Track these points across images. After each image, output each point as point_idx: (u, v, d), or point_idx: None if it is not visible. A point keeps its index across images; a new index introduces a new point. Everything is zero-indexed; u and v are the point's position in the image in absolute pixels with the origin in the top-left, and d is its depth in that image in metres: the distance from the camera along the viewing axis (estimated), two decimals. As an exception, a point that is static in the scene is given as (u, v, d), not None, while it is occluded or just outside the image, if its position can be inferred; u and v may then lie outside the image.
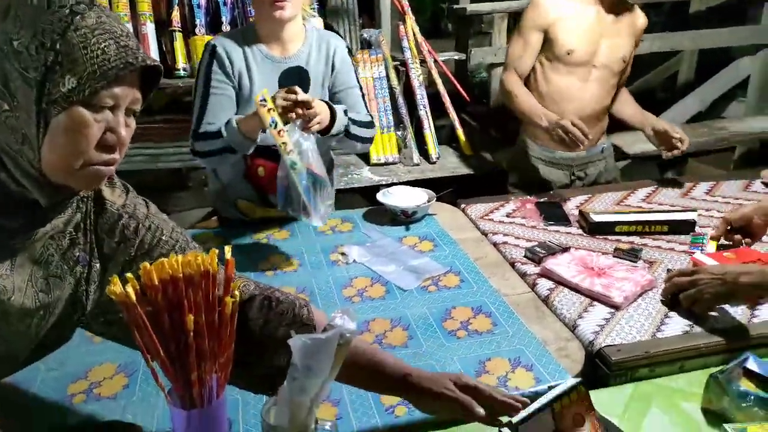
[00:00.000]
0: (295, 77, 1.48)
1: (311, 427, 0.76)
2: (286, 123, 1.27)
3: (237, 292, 0.70)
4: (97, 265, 0.79)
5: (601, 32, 1.78)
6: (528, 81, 1.87)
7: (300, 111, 1.27)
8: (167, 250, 0.82)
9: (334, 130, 1.39)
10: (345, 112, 1.45)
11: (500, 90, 1.90)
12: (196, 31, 2.23)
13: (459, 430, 0.88)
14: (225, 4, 2.25)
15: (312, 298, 1.26)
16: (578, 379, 0.83)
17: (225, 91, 1.44)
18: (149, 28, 2.21)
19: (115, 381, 1.00)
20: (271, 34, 1.47)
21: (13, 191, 0.67)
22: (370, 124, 1.54)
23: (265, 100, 1.25)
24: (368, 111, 1.58)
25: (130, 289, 0.65)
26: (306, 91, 1.45)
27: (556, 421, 0.79)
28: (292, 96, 1.26)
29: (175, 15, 2.24)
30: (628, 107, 1.93)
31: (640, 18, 1.84)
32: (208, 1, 2.27)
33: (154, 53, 2.24)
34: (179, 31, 2.25)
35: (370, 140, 1.57)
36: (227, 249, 0.73)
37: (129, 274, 0.66)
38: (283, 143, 1.26)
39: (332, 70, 1.53)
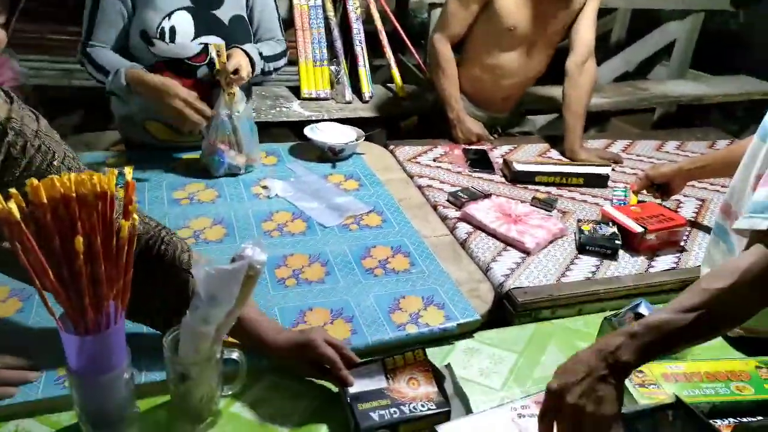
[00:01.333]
0: None
1: (216, 357, 0.75)
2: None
3: (136, 216, 0.65)
4: None
5: (546, 4, 1.69)
6: (468, 49, 1.83)
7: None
8: None
9: (253, 76, 1.44)
10: (260, 54, 1.46)
11: (429, 50, 1.85)
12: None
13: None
14: None
15: (229, 230, 1.22)
16: (421, 346, 0.86)
17: (115, 5, 1.35)
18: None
19: (9, 305, 0.93)
20: None
21: None
22: (283, 54, 1.57)
23: (219, 52, 1.33)
24: (283, 34, 1.58)
25: (13, 205, 0.59)
26: (221, 3, 1.40)
27: (387, 377, 0.82)
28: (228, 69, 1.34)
29: None
30: (569, 112, 1.75)
31: None
32: None
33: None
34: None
35: (281, 68, 1.59)
36: (128, 170, 0.68)
37: (13, 189, 0.60)
38: (231, 93, 1.35)
39: None
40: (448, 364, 0.88)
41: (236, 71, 1.35)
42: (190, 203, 1.31)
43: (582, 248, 1.24)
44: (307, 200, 1.38)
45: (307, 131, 1.63)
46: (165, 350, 0.74)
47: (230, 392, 0.81)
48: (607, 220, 1.32)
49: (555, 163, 1.69)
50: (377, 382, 0.81)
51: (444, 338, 0.98)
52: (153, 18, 1.35)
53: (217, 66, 1.34)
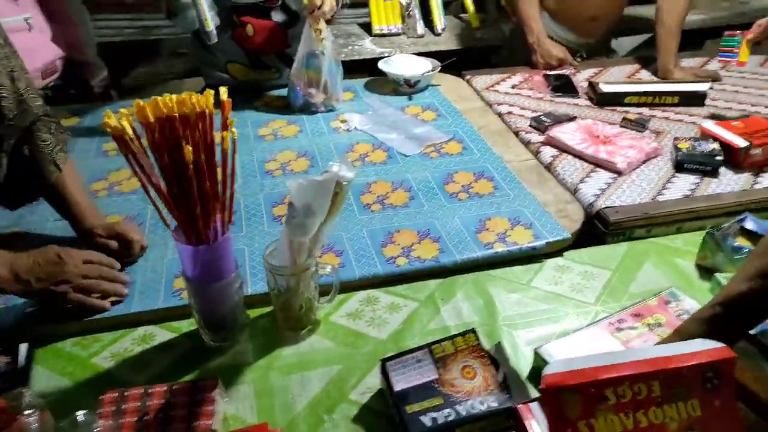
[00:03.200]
0: None
1: (312, 269, 0.79)
2: None
3: (234, 130, 0.68)
4: None
5: None
6: None
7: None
8: None
9: (336, 9, 1.39)
10: None
11: None
12: None
13: (456, 281, 0.92)
14: None
15: (313, 161, 1.25)
16: (471, 328, 0.74)
17: None
18: None
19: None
20: None
21: None
22: None
23: None
24: None
25: (125, 123, 0.63)
26: None
27: (437, 367, 0.70)
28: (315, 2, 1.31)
29: None
30: (661, 28, 1.63)
31: None
32: None
33: None
34: None
35: (349, 4, 1.57)
36: (222, 90, 0.70)
37: (123, 109, 0.64)
38: (318, 30, 1.33)
39: None
40: (499, 343, 0.75)
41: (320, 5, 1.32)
42: (274, 138, 1.35)
43: (680, 166, 1.17)
44: (386, 131, 1.38)
45: (381, 65, 1.61)
46: (265, 263, 0.78)
47: (326, 303, 0.85)
48: (706, 136, 1.23)
49: (647, 83, 1.58)
50: (426, 374, 0.69)
51: (532, 257, 0.98)
52: None
53: (304, 1, 1.31)
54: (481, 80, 1.67)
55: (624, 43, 2.33)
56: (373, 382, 0.74)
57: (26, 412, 0.62)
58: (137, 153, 0.66)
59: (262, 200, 1.11)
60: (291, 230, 0.73)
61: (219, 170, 0.71)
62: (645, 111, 1.46)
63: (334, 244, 0.97)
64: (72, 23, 1.59)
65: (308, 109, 1.46)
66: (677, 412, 0.57)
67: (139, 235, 0.94)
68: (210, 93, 0.69)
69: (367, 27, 2.16)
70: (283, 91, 1.54)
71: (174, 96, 0.67)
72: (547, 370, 0.51)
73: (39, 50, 1.49)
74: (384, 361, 0.70)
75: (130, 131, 0.64)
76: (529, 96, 1.56)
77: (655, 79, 1.66)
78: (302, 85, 1.42)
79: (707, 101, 1.49)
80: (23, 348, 0.77)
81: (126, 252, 0.92)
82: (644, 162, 1.21)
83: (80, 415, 0.64)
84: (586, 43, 1.83)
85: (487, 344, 0.75)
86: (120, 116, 0.64)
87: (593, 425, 0.54)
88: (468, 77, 1.70)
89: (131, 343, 0.80)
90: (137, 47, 2.26)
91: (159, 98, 0.67)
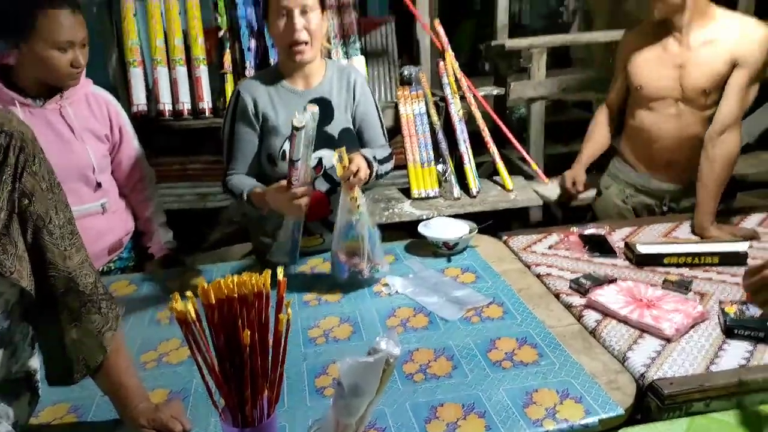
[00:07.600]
0: (319, 106, 1.54)
1: (358, 451, 0.77)
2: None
3: (289, 311, 0.72)
4: None
5: (680, 63, 1.68)
6: (624, 118, 1.92)
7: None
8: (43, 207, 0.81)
9: (370, 179, 1.46)
10: (374, 158, 1.51)
11: None
12: (246, 72, 2.35)
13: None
14: (273, 46, 2.38)
15: (355, 327, 1.27)
16: None
17: (247, 136, 1.55)
18: (202, 71, 2.35)
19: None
20: (292, 72, 1.57)
21: None
22: (390, 157, 1.63)
23: (341, 157, 1.37)
24: (386, 139, 1.67)
25: (190, 307, 0.68)
26: (331, 118, 1.58)
27: None
28: (352, 170, 1.36)
29: (227, 58, 2.37)
30: (700, 185, 1.67)
31: (733, 35, 1.59)
32: (257, 45, 2.40)
33: (206, 93, 2.36)
34: (230, 72, 2.38)
35: (390, 171, 1.65)
36: (279, 270, 0.76)
37: (189, 293, 0.70)
38: (353, 198, 1.38)
39: (353, 99, 1.62)
40: None
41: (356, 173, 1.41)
42: (318, 304, 1.40)
43: (729, 332, 1.14)
44: (427, 294, 1.41)
45: (421, 228, 1.69)
46: (310, 444, 0.77)
47: (371, 489, 0.81)
48: (754, 300, 1.21)
49: (685, 242, 1.60)
50: None
51: (585, 434, 0.93)
52: (276, 142, 1.54)
53: (338, 171, 1.39)
54: (518, 241, 1.72)
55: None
56: None
57: None
58: (197, 333, 0.70)
59: (304, 370, 1.12)
60: (338, 411, 0.73)
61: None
62: (686, 271, 1.46)
63: (376, 420, 0.95)
64: (144, 200, 1.73)
65: (355, 278, 1.46)
66: None
67: (182, 425, 0.91)
68: (267, 273, 0.75)
69: (406, 191, 2.31)
70: (327, 255, 1.62)
71: (235, 277, 0.73)
72: None
73: (109, 231, 1.61)
74: None
75: (193, 315, 0.68)
76: (567, 257, 1.59)
77: (692, 238, 1.67)
78: (345, 257, 1.46)
79: (749, 260, 1.48)
80: None
81: None
82: (692, 327, 1.19)
83: None
84: (672, 189, 1.85)
85: None
86: (186, 300, 0.69)
87: None
88: (505, 238, 1.76)
89: None
90: (194, 214, 2.46)
91: (222, 280, 0.72)
